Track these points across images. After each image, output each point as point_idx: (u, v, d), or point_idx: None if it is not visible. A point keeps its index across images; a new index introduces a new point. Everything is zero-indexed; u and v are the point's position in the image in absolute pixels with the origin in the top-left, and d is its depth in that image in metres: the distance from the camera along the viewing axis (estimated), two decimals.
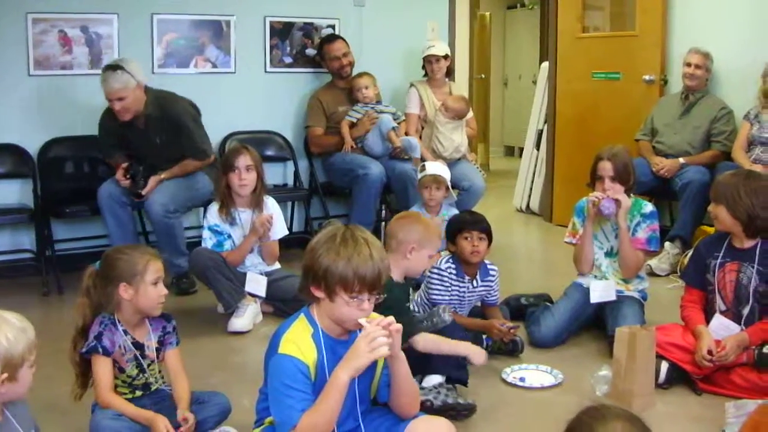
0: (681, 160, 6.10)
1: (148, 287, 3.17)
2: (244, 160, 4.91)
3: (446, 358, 3.73)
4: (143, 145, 5.51)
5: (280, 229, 5.14)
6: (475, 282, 4.38)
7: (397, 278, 3.73)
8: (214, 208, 5.00)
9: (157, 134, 5.49)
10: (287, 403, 2.62)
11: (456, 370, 3.77)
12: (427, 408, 3.48)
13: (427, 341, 3.67)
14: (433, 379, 3.70)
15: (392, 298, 3.40)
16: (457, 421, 3.31)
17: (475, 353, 3.76)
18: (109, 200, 5.40)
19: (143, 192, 5.36)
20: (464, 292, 4.34)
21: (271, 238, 5.00)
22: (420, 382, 3.65)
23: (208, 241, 4.96)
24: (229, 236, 4.98)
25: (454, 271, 4.32)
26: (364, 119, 6.46)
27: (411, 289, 4.07)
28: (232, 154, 5.02)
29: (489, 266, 4.46)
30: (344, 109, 6.58)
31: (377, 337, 2.57)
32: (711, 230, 4.39)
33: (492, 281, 4.45)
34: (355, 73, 6.69)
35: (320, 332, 2.72)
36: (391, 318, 2.68)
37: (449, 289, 4.30)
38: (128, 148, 5.59)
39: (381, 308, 2.86)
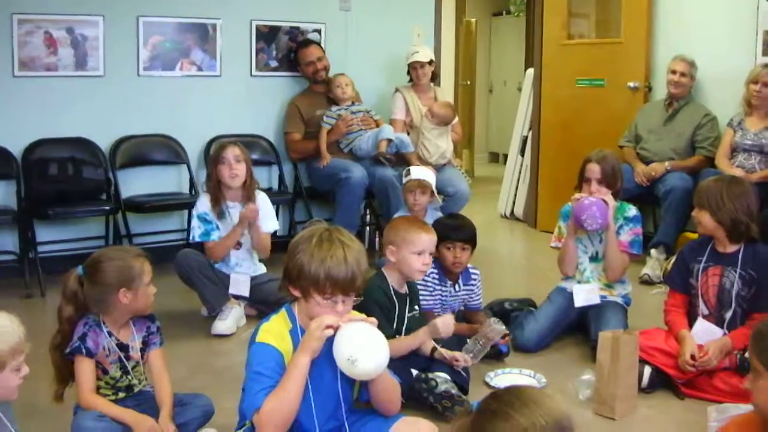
0: (666, 164, 6.12)
1: (146, 289, 3.18)
2: (232, 152, 4.93)
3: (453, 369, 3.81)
4: None
5: (270, 222, 5.16)
6: (457, 286, 4.41)
7: (398, 286, 3.79)
8: (204, 198, 5.01)
9: None
10: (254, 388, 2.66)
11: (456, 373, 3.83)
12: (431, 388, 3.61)
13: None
14: (443, 374, 3.74)
15: (367, 304, 3.43)
16: (442, 422, 3.36)
17: (441, 324, 3.78)
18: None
19: None
20: (446, 296, 4.36)
21: (261, 229, 5.00)
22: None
23: (196, 230, 4.97)
24: (218, 227, 4.98)
25: (437, 277, 4.32)
26: (339, 123, 6.47)
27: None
28: (219, 147, 5.02)
29: (471, 270, 4.48)
30: (321, 112, 6.58)
31: (326, 321, 2.61)
32: (694, 237, 4.41)
33: (474, 285, 4.48)
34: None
35: (299, 329, 2.75)
36: (363, 316, 2.73)
37: (432, 293, 4.32)
38: None
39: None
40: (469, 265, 4.46)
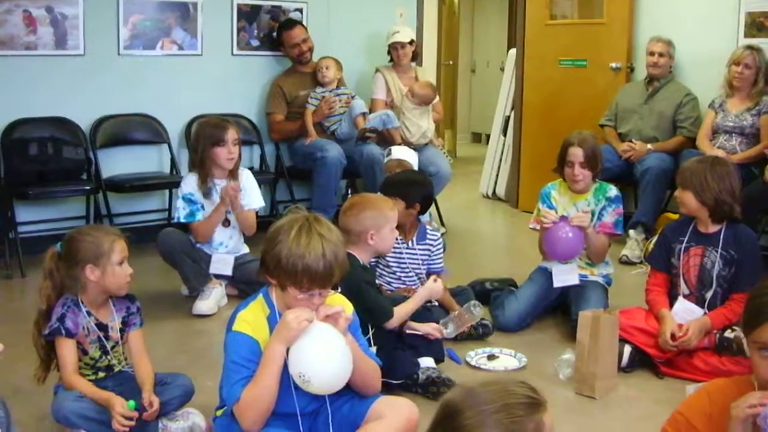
0: (649, 146, 6.13)
1: (115, 268, 3.15)
2: (232, 134, 4.91)
3: (429, 341, 3.88)
4: None
5: (256, 200, 5.15)
6: (411, 243, 4.38)
7: (366, 261, 3.77)
8: (191, 178, 4.97)
9: None
10: (232, 378, 2.68)
11: (440, 351, 3.94)
12: (413, 380, 3.65)
13: (399, 318, 3.78)
14: (426, 362, 3.78)
15: (355, 283, 3.44)
16: (434, 400, 3.46)
17: (435, 286, 4.01)
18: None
19: None
20: (402, 254, 4.34)
21: (245, 207, 4.98)
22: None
23: (181, 210, 4.93)
24: (203, 207, 4.95)
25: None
26: (321, 104, 6.47)
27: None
28: (218, 128, 4.92)
29: (429, 231, 4.47)
30: (305, 93, 6.57)
31: (304, 315, 2.61)
32: (675, 217, 4.42)
33: (431, 245, 4.43)
34: (316, 55, 6.71)
35: (276, 315, 2.75)
36: (339, 307, 2.73)
37: (394, 253, 4.31)
38: None
39: (346, 294, 2.99)
40: (428, 227, 4.50)
